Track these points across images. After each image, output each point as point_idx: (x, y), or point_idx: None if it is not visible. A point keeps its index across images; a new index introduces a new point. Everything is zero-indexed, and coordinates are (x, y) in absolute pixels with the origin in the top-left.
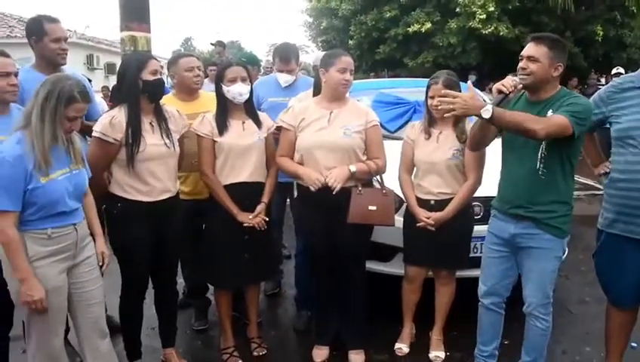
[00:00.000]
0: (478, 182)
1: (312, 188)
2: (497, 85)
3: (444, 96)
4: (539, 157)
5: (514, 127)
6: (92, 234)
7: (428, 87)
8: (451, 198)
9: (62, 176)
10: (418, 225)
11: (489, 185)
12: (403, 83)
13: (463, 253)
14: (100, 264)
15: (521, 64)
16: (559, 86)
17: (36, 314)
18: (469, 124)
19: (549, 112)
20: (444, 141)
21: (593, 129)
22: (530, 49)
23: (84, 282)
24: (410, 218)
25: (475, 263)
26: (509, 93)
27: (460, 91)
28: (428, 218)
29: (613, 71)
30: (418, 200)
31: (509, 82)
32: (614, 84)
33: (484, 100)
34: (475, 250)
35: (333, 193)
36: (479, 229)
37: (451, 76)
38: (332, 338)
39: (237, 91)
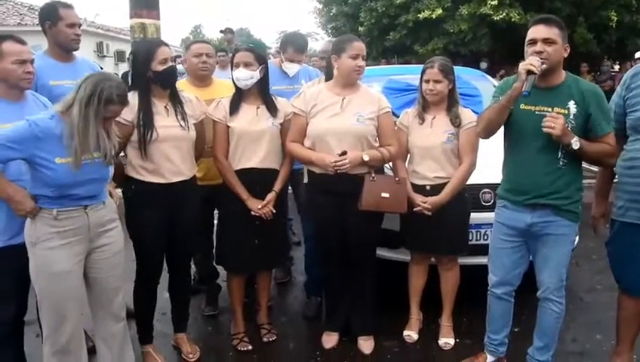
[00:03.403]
0: (473, 165)
1: (330, 171)
2: (526, 66)
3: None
4: (561, 147)
5: (595, 158)
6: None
7: (423, 72)
8: (446, 183)
9: (82, 162)
10: (415, 209)
11: (500, 172)
12: (413, 69)
13: (462, 238)
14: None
15: (536, 47)
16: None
17: (46, 300)
18: (462, 108)
19: (571, 103)
20: (437, 125)
21: (624, 129)
22: (543, 31)
23: (101, 268)
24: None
25: (486, 251)
26: (538, 73)
27: (454, 75)
28: (424, 202)
29: (637, 55)
30: (413, 186)
31: (536, 62)
32: (630, 74)
33: (494, 86)
34: (486, 237)
35: (337, 172)
36: (490, 216)
37: (446, 62)
38: (342, 325)
39: (236, 77)
